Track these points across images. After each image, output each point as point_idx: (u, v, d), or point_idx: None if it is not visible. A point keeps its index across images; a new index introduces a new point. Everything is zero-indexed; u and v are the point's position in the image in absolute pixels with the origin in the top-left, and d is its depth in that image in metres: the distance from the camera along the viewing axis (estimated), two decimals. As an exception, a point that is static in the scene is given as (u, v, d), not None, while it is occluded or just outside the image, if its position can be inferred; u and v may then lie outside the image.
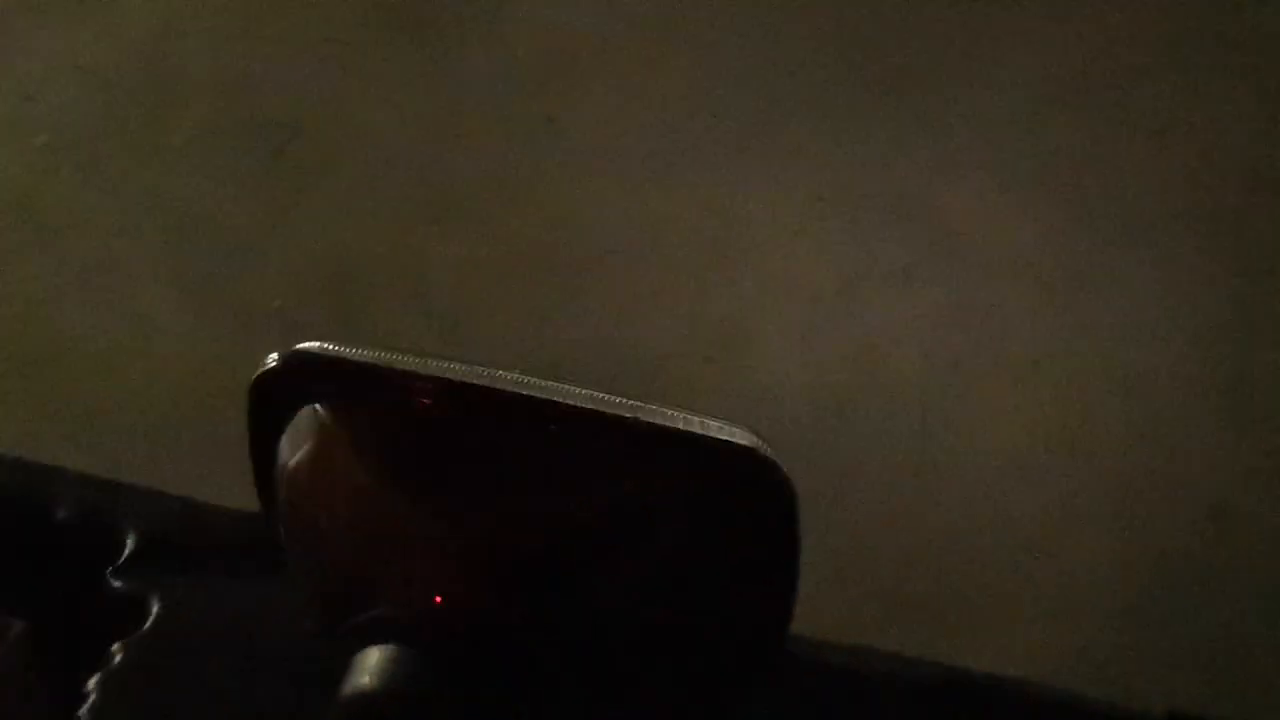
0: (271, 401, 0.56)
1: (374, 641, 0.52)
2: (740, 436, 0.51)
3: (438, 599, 0.52)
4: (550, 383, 0.53)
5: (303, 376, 0.54)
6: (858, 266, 1.73)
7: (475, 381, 0.53)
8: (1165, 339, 1.63)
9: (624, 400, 0.52)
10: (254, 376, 0.55)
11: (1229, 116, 1.84)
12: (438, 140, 1.90)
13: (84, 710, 0.69)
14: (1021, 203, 1.78)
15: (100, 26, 2.09)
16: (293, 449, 0.56)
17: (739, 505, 0.53)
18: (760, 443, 0.52)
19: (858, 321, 1.68)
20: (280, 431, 0.56)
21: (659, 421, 0.52)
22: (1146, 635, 1.40)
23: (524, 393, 0.52)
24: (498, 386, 0.52)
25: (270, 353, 0.55)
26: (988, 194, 1.79)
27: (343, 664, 0.52)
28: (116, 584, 0.73)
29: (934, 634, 1.40)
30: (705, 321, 1.69)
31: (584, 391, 0.52)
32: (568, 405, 0.52)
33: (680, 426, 0.52)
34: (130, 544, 0.75)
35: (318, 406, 0.55)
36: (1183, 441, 1.54)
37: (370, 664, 0.51)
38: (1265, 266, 1.69)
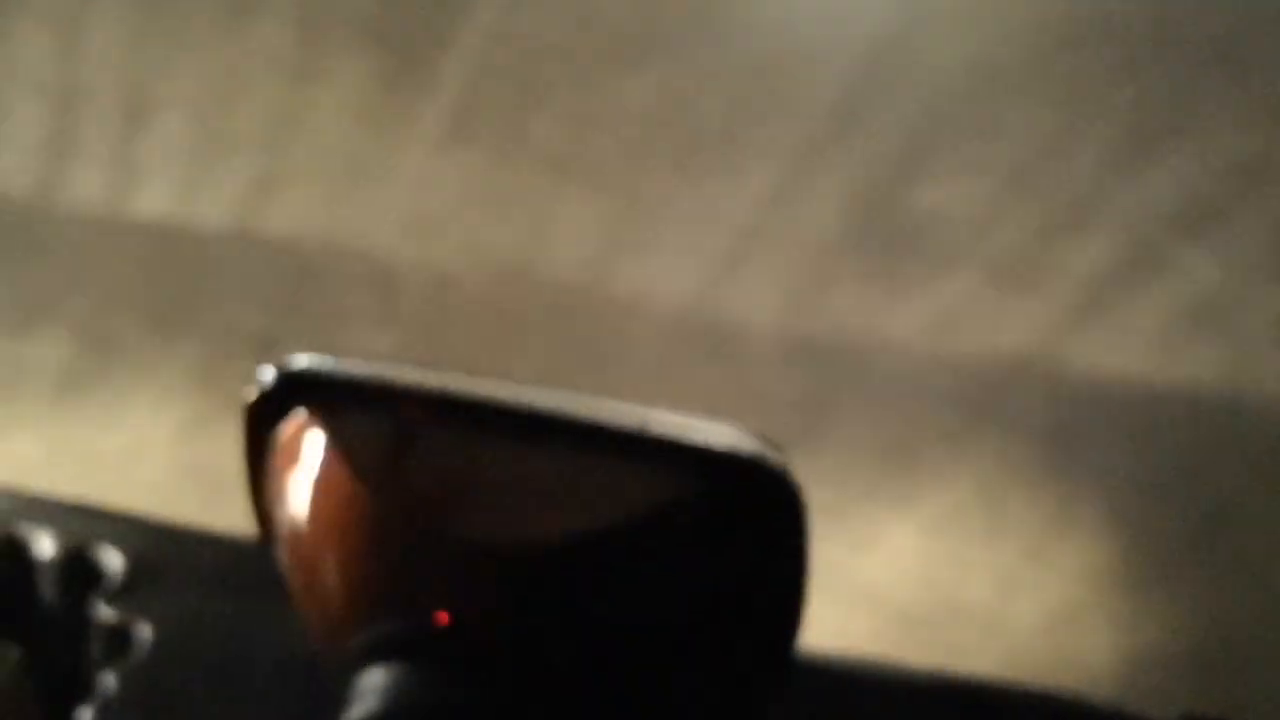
0: (268, 420, 0.54)
1: (379, 661, 0.51)
2: (749, 443, 0.51)
3: (445, 615, 0.51)
4: (553, 392, 0.52)
5: (301, 393, 0.53)
6: (839, 265, 1.73)
7: (477, 395, 0.52)
8: (1157, 335, 1.63)
9: (628, 408, 0.51)
10: (250, 394, 0.54)
11: (1214, 108, 1.84)
12: (407, 152, 1.89)
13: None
14: (1004, 198, 1.78)
15: (62, 42, 2.06)
16: (290, 468, 0.55)
17: (749, 513, 0.52)
18: (770, 449, 0.51)
19: (841, 321, 1.67)
20: (276, 451, 0.55)
21: (665, 430, 0.51)
22: (1150, 640, 1.39)
23: (525, 403, 0.51)
24: (498, 398, 0.52)
25: (264, 369, 0.54)
26: (973, 189, 1.79)
27: (346, 686, 0.51)
28: (105, 612, 0.72)
29: (934, 644, 1.39)
30: (690, 325, 1.68)
31: (588, 400, 0.51)
32: (574, 416, 0.51)
33: (687, 435, 0.51)
34: (118, 571, 0.73)
35: (315, 424, 0.54)
36: (1179, 441, 1.54)
37: (377, 684, 0.50)
38: (1255, 262, 1.70)
